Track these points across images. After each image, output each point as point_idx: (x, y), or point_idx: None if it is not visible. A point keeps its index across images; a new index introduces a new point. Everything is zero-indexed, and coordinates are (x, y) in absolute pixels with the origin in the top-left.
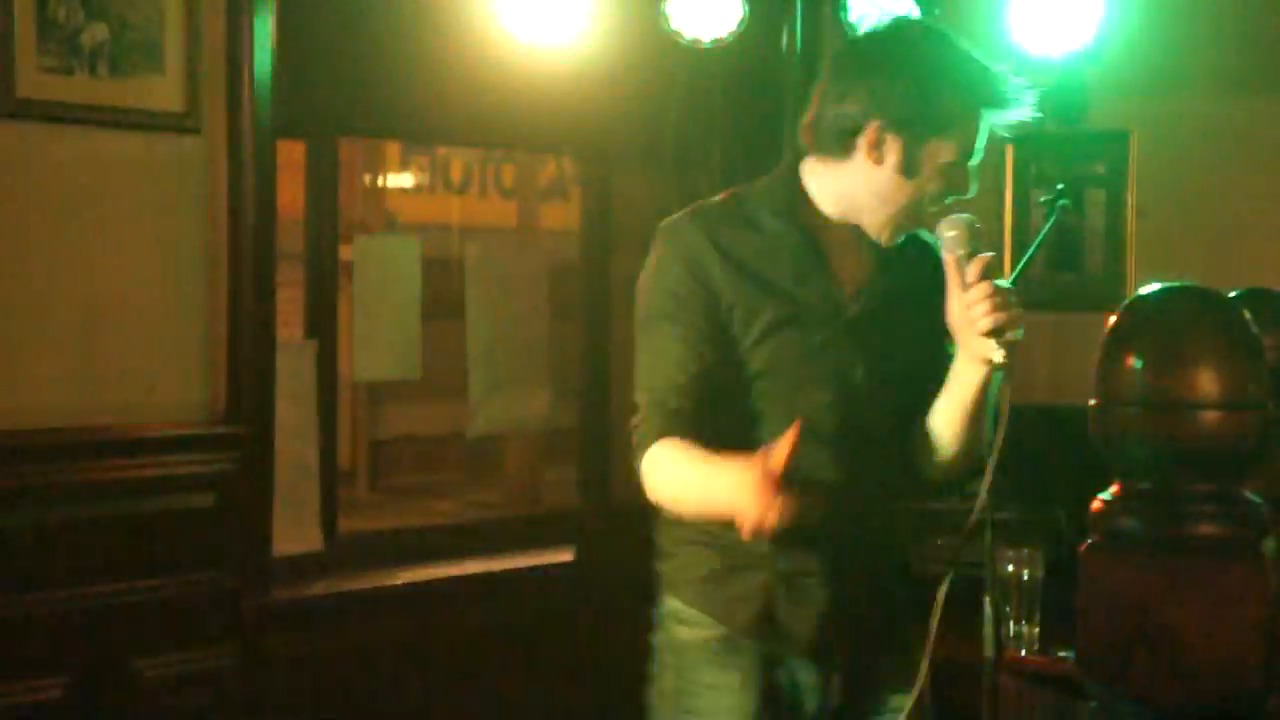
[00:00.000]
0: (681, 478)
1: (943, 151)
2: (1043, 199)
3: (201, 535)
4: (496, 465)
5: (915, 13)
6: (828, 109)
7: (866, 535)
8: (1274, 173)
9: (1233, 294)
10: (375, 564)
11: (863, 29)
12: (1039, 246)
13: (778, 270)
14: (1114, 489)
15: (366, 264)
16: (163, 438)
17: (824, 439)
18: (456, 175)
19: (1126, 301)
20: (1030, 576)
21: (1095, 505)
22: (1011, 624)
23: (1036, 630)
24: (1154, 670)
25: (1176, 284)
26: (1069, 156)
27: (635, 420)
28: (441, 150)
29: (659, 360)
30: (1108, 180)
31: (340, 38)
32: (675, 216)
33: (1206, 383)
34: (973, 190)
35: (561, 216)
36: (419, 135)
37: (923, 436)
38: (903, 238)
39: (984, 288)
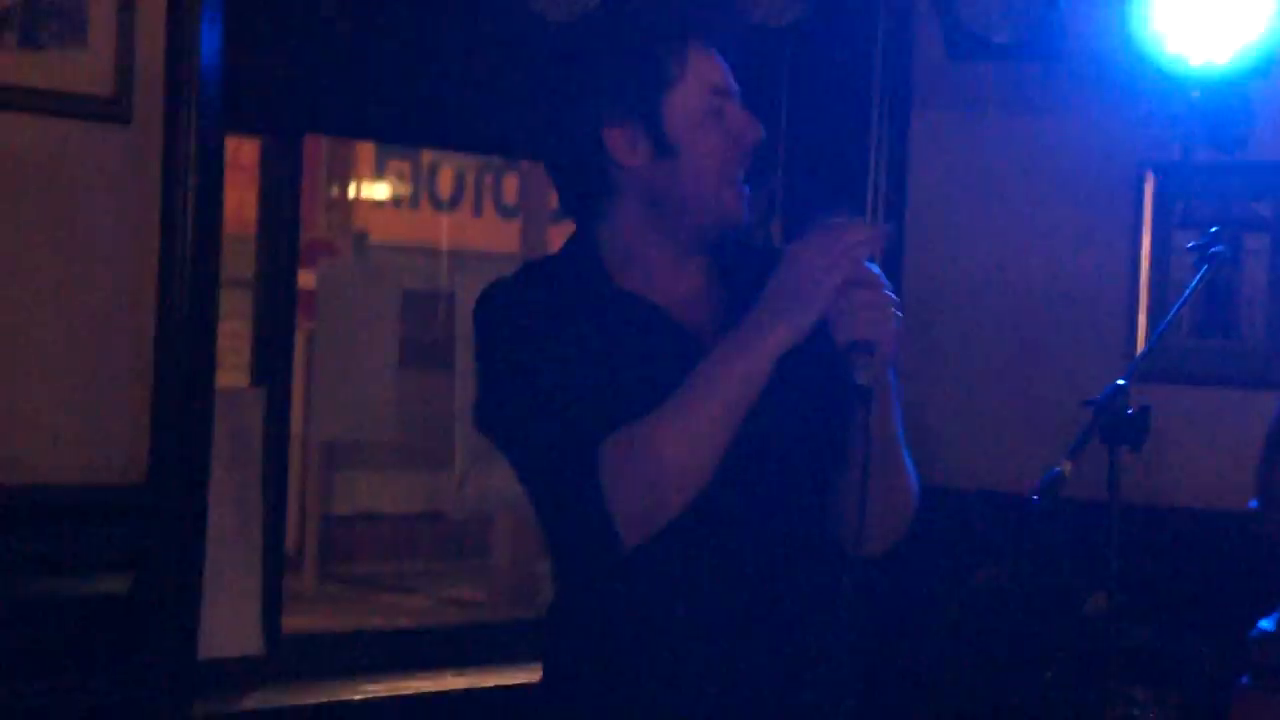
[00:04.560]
0: (676, 396)
1: (682, 103)
2: (1190, 245)
3: (111, 629)
4: (482, 554)
5: (1036, 4)
6: (558, 160)
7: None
8: None
9: None
10: (327, 673)
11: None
12: (1184, 305)
13: (614, 334)
14: (1277, 615)
15: (332, 294)
16: (67, 505)
17: (713, 510)
18: (445, 187)
19: None
20: None
21: (1253, 635)
22: None
23: None
24: None
25: None
26: (1226, 192)
27: (562, 455)
28: (427, 155)
29: (568, 390)
30: (1273, 222)
31: (307, 10)
32: (483, 290)
33: None
34: (756, 129)
35: None
36: (401, 135)
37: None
38: (740, 210)
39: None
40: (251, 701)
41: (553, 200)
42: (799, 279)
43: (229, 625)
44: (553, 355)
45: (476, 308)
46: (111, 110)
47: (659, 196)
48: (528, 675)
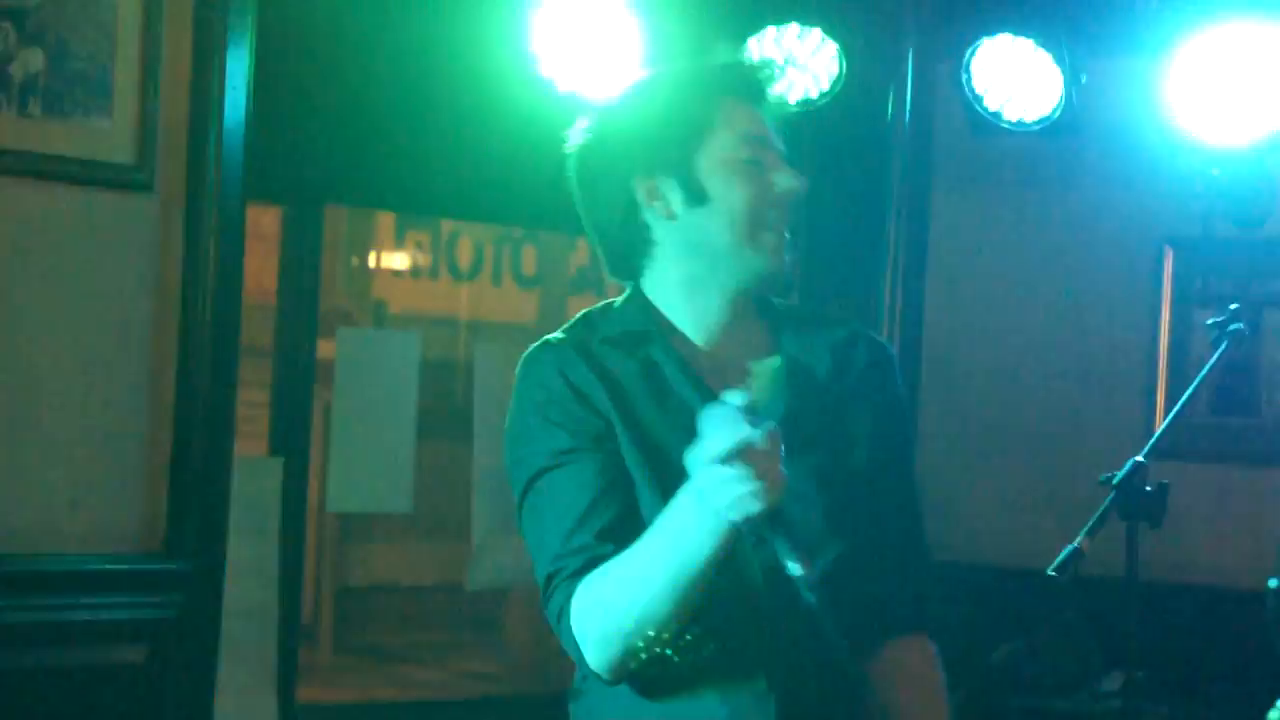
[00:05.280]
0: (627, 561)
1: (715, 153)
2: (1210, 321)
3: (127, 699)
4: (497, 628)
5: (1058, 82)
6: (593, 232)
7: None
8: None
9: None
10: None
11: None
12: (1202, 380)
13: (652, 401)
14: None
15: (351, 364)
16: (84, 572)
17: (744, 610)
18: (465, 258)
19: None
20: None
21: (1272, 714)
22: None
23: None
24: None
25: None
26: (1246, 269)
27: (544, 595)
28: (447, 225)
29: (564, 517)
30: None
31: (330, 83)
32: (531, 348)
33: None
34: (792, 181)
35: None
36: (420, 206)
37: None
38: (782, 258)
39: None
40: None
41: (571, 270)
42: (730, 491)
43: (244, 696)
44: (569, 449)
45: (520, 366)
46: (134, 178)
47: (695, 247)
48: None
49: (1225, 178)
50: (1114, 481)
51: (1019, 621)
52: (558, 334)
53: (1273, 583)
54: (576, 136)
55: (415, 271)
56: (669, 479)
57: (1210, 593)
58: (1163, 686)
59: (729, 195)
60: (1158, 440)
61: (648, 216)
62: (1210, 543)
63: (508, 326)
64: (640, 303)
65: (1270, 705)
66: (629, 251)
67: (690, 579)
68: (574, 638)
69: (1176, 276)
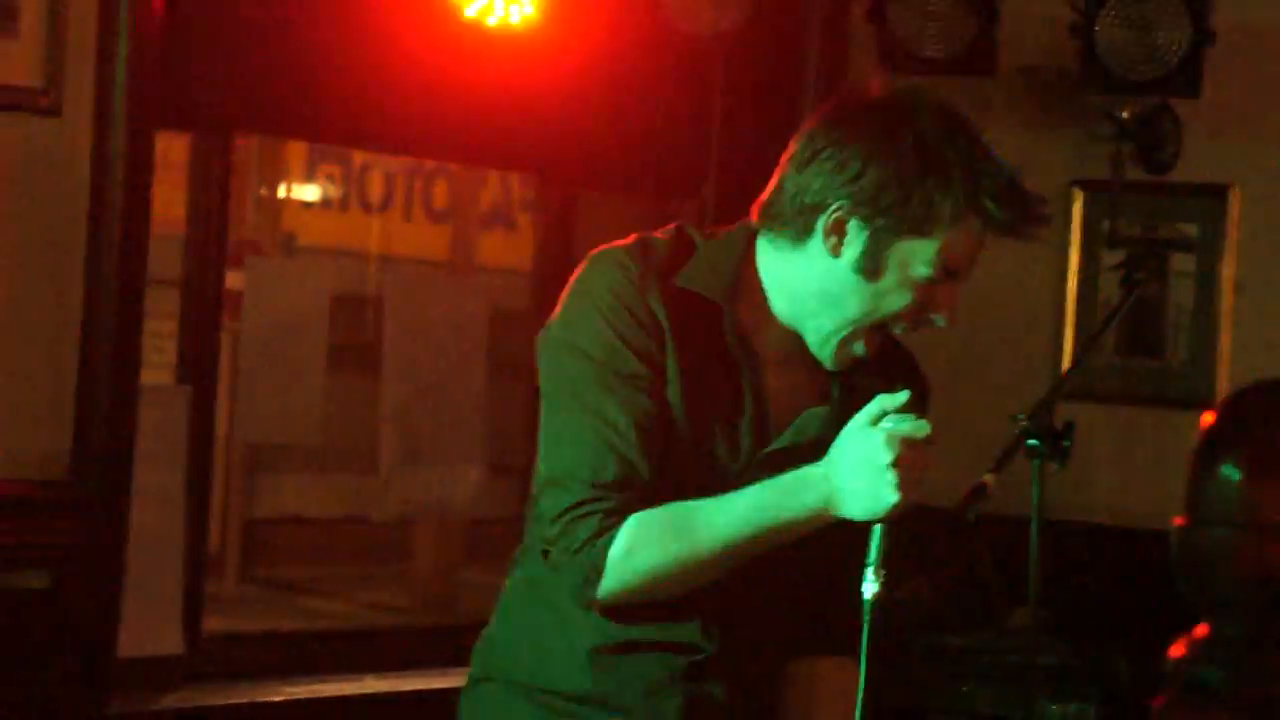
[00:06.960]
0: (699, 514)
1: (915, 258)
2: (1117, 264)
3: (29, 626)
4: (405, 559)
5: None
6: (789, 177)
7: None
8: None
9: None
10: (248, 675)
11: (857, 92)
12: (1110, 325)
13: (697, 366)
14: (1197, 630)
15: (260, 294)
16: None
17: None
18: (376, 190)
19: (1224, 399)
20: None
21: (1173, 650)
22: None
23: None
24: None
25: None
26: (1153, 213)
27: (569, 513)
28: (358, 158)
29: (603, 435)
30: (1200, 244)
31: (242, 9)
32: (617, 249)
33: None
34: (949, 319)
35: (506, 249)
36: (331, 135)
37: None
38: (848, 362)
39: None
40: (170, 701)
41: (483, 205)
42: (877, 484)
43: (149, 624)
44: (633, 375)
45: (597, 266)
46: (42, 102)
47: (829, 296)
48: (447, 680)
49: (1134, 121)
50: (1021, 420)
51: (925, 558)
52: (653, 246)
53: (1176, 522)
54: (833, 107)
55: (326, 203)
56: (680, 453)
57: (1114, 532)
58: (1066, 624)
59: (888, 295)
60: (1065, 380)
61: (818, 232)
62: (1115, 482)
63: (418, 260)
64: (735, 257)
65: (1170, 642)
66: (774, 217)
67: (759, 546)
68: (596, 563)
69: (1085, 219)
